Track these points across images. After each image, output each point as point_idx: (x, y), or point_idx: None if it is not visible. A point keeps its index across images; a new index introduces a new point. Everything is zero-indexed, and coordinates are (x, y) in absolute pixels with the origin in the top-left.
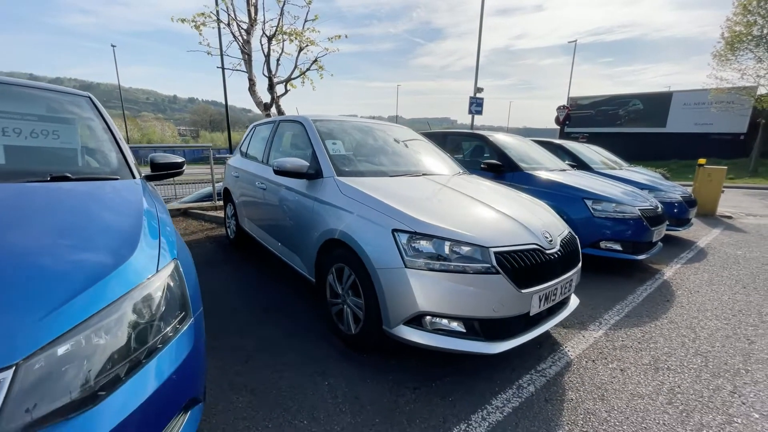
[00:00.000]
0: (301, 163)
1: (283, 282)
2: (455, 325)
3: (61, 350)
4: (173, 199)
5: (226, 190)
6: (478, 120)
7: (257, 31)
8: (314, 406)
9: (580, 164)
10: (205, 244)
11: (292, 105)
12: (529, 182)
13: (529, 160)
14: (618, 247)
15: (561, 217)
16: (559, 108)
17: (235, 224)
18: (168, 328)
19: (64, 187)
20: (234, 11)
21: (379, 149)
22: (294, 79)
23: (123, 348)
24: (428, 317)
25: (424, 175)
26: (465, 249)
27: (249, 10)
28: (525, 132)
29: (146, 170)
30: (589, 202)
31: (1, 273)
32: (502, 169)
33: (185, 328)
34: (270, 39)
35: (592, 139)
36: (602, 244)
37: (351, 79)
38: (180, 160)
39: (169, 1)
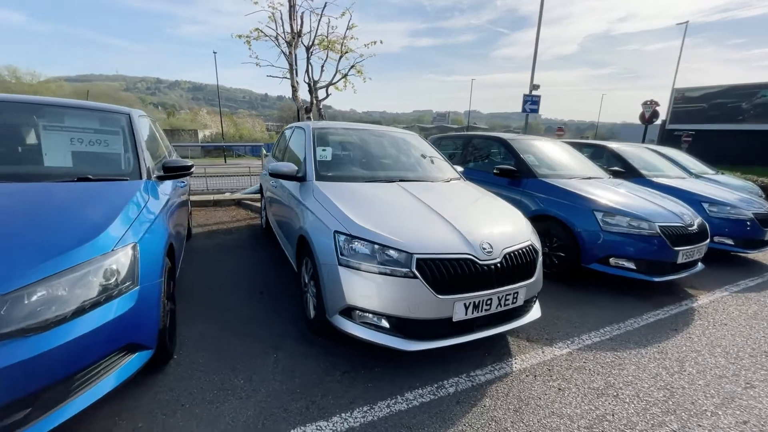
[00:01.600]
0: (291, 167)
1: (285, 269)
2: (378, 320)
3: (32, 290)
4: (236, 190)
5: (261, 185)
6: (556, 115)
7: (299, 43)
8: (255, 371)
9: (629, 171)
10: (243, 230)
11: (361, 104)
12: (543, 190)
13: (555, 166)
14: (630, 265)
15: (568, 228)
16: (645, 104)
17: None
18: (113, 291)
19: (79, 186)
20: (283, 25)
21: (369, 156)
22: (334, 84)
23: (74, 298)
24: (357, 311)
25: (400, 181)
26: (392, 253)
27: (291, 25)
28: (620, 129)
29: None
30: (599, 215)
31: (5, 241)
32: (517, 175)
33: (128, 293)
34: (308, 49)
35: (701, 138)
36: (612, 261)
37: (430, 73)
38: (189, 164)
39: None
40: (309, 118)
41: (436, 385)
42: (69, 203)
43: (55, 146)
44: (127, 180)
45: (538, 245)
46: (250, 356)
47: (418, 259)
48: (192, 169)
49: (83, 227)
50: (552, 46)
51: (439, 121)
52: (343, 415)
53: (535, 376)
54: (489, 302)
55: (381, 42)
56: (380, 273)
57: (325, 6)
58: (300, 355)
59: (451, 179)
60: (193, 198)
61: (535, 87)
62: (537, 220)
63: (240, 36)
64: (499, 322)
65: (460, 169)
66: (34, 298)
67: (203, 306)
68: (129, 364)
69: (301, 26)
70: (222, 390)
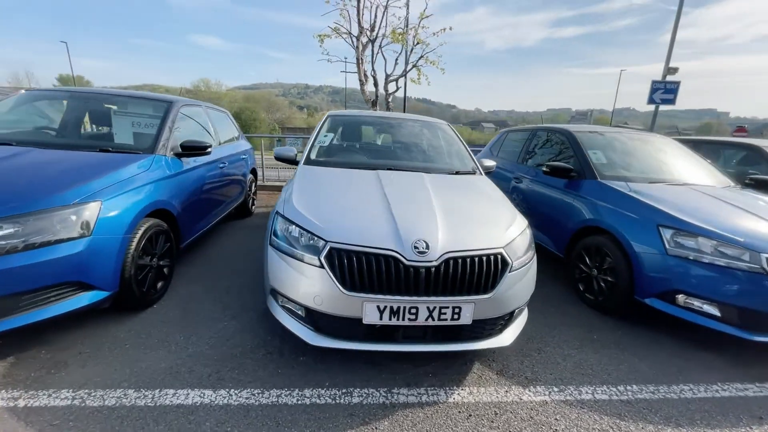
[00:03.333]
0: (291, 152)
1: None
2: (295, 307)
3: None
4: None
5: None
6: (756, 113)
7: (365, 38)
8: (198, 334)
9: None
10: None
11: (487, 102)
12: (600, 194)
13: (632, 167)
14: (712, 310)
15: (620, 246)
16: None
17: None
18: (64, 235)
19: (93, 155)
20: (350, 21)
21: (373, 143)
22: (402, 76)
23: (28, 235)
24: (278, 294)
25: (389, 169)
26: (310, 239)
27: (359, 19)
28: None
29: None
30: (666, 232)
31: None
32: (573, 174)
33: (79, 240)
34: (372, 42)
35: None
36: (681, 299)
37: (571, 66)
38: (204, 145)
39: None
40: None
41: (344, 391)
42: (71, 166)
43: (119, 125)
44: (138, 154)
45: (515, 258)
46: (207, 320)
47: (331, 248)
48: (208, 150)
49: (58, 184)
50: (752, 24)
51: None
52: (232, 390)
53: (470, 415)
54: (414, 311)
55: (450, 29)
56: (296, 258)
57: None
58: (245, 329)
59: (460, 172)
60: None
61: (671, 71)
62: (588, 233)
63: (319, 36)
64: (441, 340)
65: (490, 163)
66: None
67: (210, 272)
68: (78, 298)
69: (375, 20)
70: (161, 341)
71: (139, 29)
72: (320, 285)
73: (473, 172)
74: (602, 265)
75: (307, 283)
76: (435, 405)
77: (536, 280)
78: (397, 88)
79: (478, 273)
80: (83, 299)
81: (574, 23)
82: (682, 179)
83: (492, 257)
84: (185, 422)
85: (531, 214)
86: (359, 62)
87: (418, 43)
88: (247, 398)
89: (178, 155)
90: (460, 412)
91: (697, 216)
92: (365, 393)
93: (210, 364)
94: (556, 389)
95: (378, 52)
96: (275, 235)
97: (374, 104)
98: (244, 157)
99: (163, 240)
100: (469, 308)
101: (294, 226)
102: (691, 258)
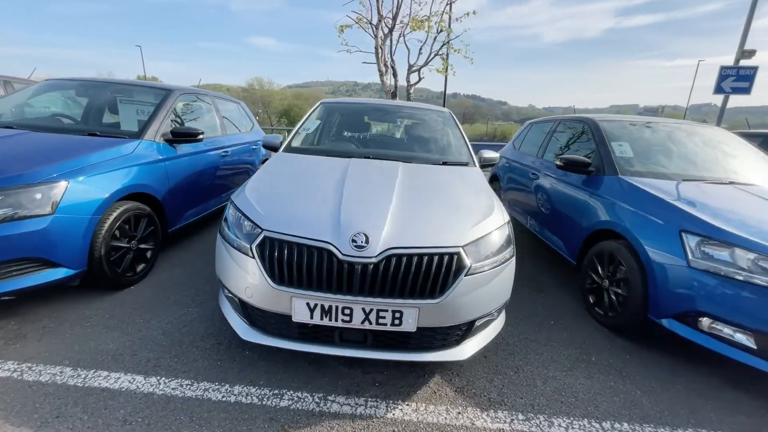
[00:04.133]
0: (276, 140)
1: None
2: (234, 297)
3: None
4: None
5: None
6: None
7: (384, 27)
8: (158, 318)
9: None
10: None
11: (540, 98)
12: (618, 193)
13: (664, 162)
14: (745, 340)
15: (635, 254)
16: None
17: None
18: (27, 212)
19: (79, 138)
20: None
21: (359, 131)
22: (424, 66)
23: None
24: (221, 284)
25: (366, 158)
26: (248, 226)
27: (378, 7)
28: None
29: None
30: (691, 240)
31: None
32: (591, 170)
33: (43, 218)
34: (391, 31)
35: None
36: (705, 323)
37: (640, 59)
38: (195, 132)
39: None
40: None
41: (275, 392)
42: (50, 148)
43: (124, 112)
44: (123, 138)
45: (480, 259)
46: (172, 305)
47: (265, 237)
48: (199, 137)
49: (30, 163)
50: None
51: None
52: (162, 379)
53: (372, 430)
54: (348, 312)
55: (474, 12)
56: (234, 247)
57: None
58: (203, 317)
59: (448, 163)
60: None
61: (746, 54)
62: (601, 237)
63: (339, 27)
64: (385, 347)
65: (491, 155)
66: None
67: (200, 258)
68: (42, 274)
69: (398, 9)
70: (120, 323)
71: (204, 33)
72: (251, 276)
73: (465, 164)
74: (614, 276)
75: (241, 273)
76: (369, 419)
77: (543, 286)
78: (420, 79)
79: (424, 274)
80: (47, 276)
81: (644, 11)
82: (729, 177)
83: (445, 257)
84: (101, 407)
85: (544, 213)
86: (378, 52)
87: (441, 31)
88: (173, 389)
89: (170, 141)
90: (394, 430)
91: (736, 222)
92: (297, 397)
93: (154, 350)
94: (521, 417)
95: (398, 42)
96: (225, 220)
97: (394, 96)
98: (254, 147)
99: (145, 224)
100: (413, 314)
101: (239, 214)
102: (721, 273)
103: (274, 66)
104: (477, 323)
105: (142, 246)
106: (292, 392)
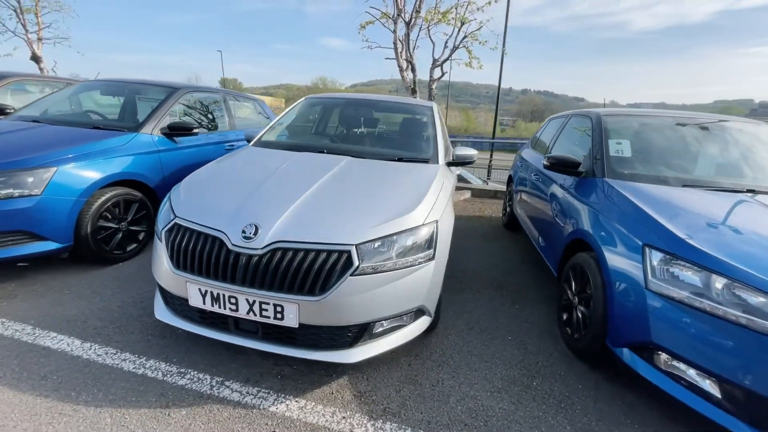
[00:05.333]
0: (255, 133)
1: None
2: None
3: None
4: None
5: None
6: None
7: (402, 20)
8: (137, 289)
9: None
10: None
11: (624, 93)
12: (598, 197)
13: (689, 165)
14: (708, 386)
15: (599, 268)
16: None
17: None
18: (22, 192)
19: (81, 131)
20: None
21: (334, 127)
22: (447, 60)
23: None
24: None
25: (328, 152)
26: (168, 211)
27: (396, 1)
28: None
29: None
30: (655, 255)
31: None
32: (581, 171)
33: (30, 197)
34: (408, 24)
35: None
36: (662, 358)
37: (758, 45)
38: (191, 126)
39: (521, 2)
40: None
41: (181, 370)
42: (50, 139)
43: (141, 108)
44: (119, 131)
45: (380, 260)
46: (143, 283)
47: (174, 223)
48: (194, 131)
49: (28, 150)
50: None
51: (760, 114)
52: (95, 345)
53: (246, 420)
54: (234, 302)
55: (495, 1)
56: (157, 235)
57: None
58: None
59: (404, 159)
60: None
61: None
62: (578, 247)
63: (361, 24)
64: (274, 340)
65: (465, 152)
66: None
67: None
68: (32, 245)
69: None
70: (92, 293)
71: (280, 36)
72: (159, 259)
73: (426, 161)
74: (583, 293)
75: (156, 255)
76: (249, 409)
77: (521, 298)
78: (443, 74)
79: (306, 270)
80: (36, 247)
81: None
82: (751, 185)
83: (333, 254)
84: (33, 363)
85: (534, 217)
86: (396, 46)
87: (464, 23)
88: (98, 355)
89: (167, 135)
90: (267, 424)
91: (723, 240)
92: (198, 377)
93: (104, 320)
94: (388, 425)
95: (418, 36)
96: (162, 209)
97: (413, 92)
98: None
99: (136, 208)
100: (293, 309)
101: (168, 201)
102: (684, 300)
103: (343, 65)
104: (377, 328)
105: (134, 228)
106: (195, 373)
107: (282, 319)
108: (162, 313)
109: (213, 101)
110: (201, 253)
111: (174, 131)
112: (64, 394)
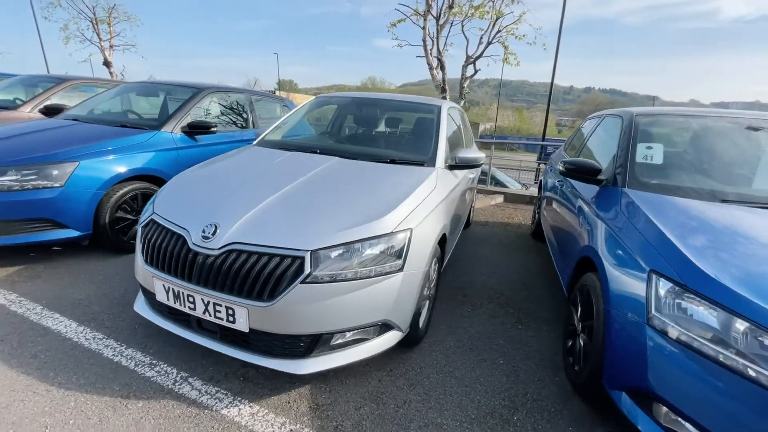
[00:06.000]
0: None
1: None
2: None
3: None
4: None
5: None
6: None
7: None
8: (101, 275)
9: None
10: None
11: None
12: (612, 210)
13: (736, 177)
14: None
15: (600, 292)
16: None
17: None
18: (46, 183)
19: (110, 128)
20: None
21: (335, 126)
22: (480, 57)
23: (19, 182)
24: None
25: (320, 153)
26: (147, 206)
27: None
28: None
29: None
30: (662, 285)
31: (17, 147)
32: (600, 179)
33: (53, 188)
34: (437, 19)
35: None
36: (661, 411)
37: None
38: (210, 124)
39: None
40: (444, 98)
41: (152, 362)
42: (80, 136)
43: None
44: (142, 128)
45: (339, 268)
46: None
47: (150, 219)
48: (212, 129)
49: (57, 146)
50: None
51: None
52: (87, 330)
53: (195, 421)
54: (192, 300)
55: None
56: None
57: None
58: None
59: (397, 161)
60: None
61: None
62: (585, 267)
63: (392, 23)
64: (230, 342)
65: (469, 155)
66: (1, 178)
67: None
68: (55, 232)
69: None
70: (103, 279)
71: (335, 38)
72: (137, 255)
73: (421, 164)
74: (587, 319)
75: (137, 249)
76: (201, 409)
77: (528, 317)
78: (476, 71)
79: (256, 274)
80: (58, 234)
81: None
82: None
83: (286, 259)
84: (30, 341)
85: (552, 227)
86: (425, 43)
87: (498, 17)
88: (86, 339)
89: (187, 133)
90: (213, 428)
91: (752, 273)
92: (165, 371)
93: (104, 306)
94: None
95: (449, 32)
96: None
97: (443, 91)
98: None
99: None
100: (243, 313)
101: (155, 195)
102: (692, 345)
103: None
104: (337, 339)
105: None
106: (165, 366)
107: (234, 322)
108: (141, 306)
109: (236, 101)
110: (166, 250)
111: (194, 129)
112: (45, 373)
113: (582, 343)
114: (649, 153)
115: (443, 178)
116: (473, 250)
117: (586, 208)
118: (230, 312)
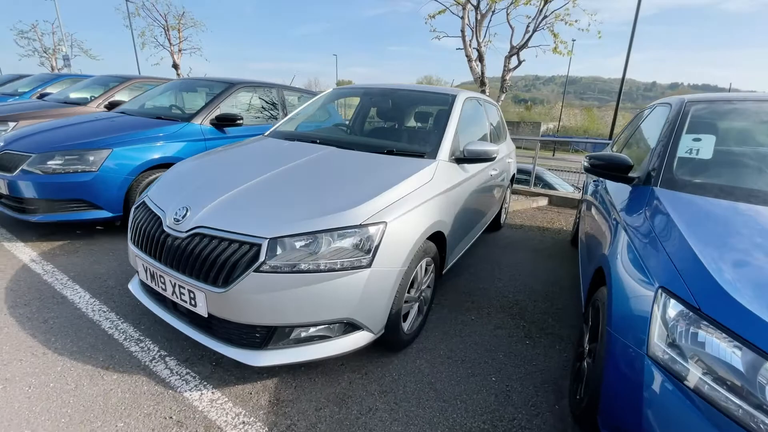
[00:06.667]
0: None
1: None
2: None
3: (50, 155)
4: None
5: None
6: None
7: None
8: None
9: None
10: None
11: None
12: (637, 213)
13: None
14: None
15: (605, 313)
16: None
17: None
18: (84, 168)
19: (144, 120)
20: None
21: (353, 117)
22: (523, 47)
23: (62, 166)
24: None
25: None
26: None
27: None
28: None
29: None
30: (672, 306)
31: (58, 137)
32: (633, 176)
33: (89, 173)
34: (476, 7)
35: None
36: None
37: None
38: (237, 117)
39: None
40: (483, 92)
41: (139, 339)
42: (117, 126)
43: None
44: (175, 121)
45: (286, 258)
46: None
47: (142, 201)
48: (238, 121)
49: (96, 134)
50: None
51: None
52: (97, 302)
53: (179, 422)
54: (163, 281)
55: None
56: None
57: None
58: None
59: (395, 152)
60: None
61: None
62: (601, 280)
63: (431, 15)
64: (196, 325)
65: (479, 147)
66: (48, 162)
67: None
68: (89, 213)
69: None
70: (115, 258)
71: (395, 39)
72: (128, 234)
73: (420, 155)
74: (594, 339)
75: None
76: (167, 389)
77: (539, 331)
78: (519, 63)
79: (214, 259)
80: (92, 214)
81: None
82: None
83: (244, 246)
84: (46, 307)
85: (585, 235)
86: (464, 34)
87: (547, 2)
88: (93, 311)
89: (215, 125)
90: (170, 408)
91: None
92: (147, 348)
93: (120, 281)
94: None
95: (490, 21)
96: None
97: (482, 84)
98: None
99: None
100: (202, 298)
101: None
102: (703, 392)
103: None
104: (299, 333)
105: None
106: (149, 342)
107: (195, 306)
108: (134, 286)
109: (268, 95)
110: (145, 231)
111: (221, 121)
112: (47, 338)
113: (585, 367)
114: (696, 146)
115: (446, 171)
116: (498, 255)
117: (611, 211)
118: (192, 295)
